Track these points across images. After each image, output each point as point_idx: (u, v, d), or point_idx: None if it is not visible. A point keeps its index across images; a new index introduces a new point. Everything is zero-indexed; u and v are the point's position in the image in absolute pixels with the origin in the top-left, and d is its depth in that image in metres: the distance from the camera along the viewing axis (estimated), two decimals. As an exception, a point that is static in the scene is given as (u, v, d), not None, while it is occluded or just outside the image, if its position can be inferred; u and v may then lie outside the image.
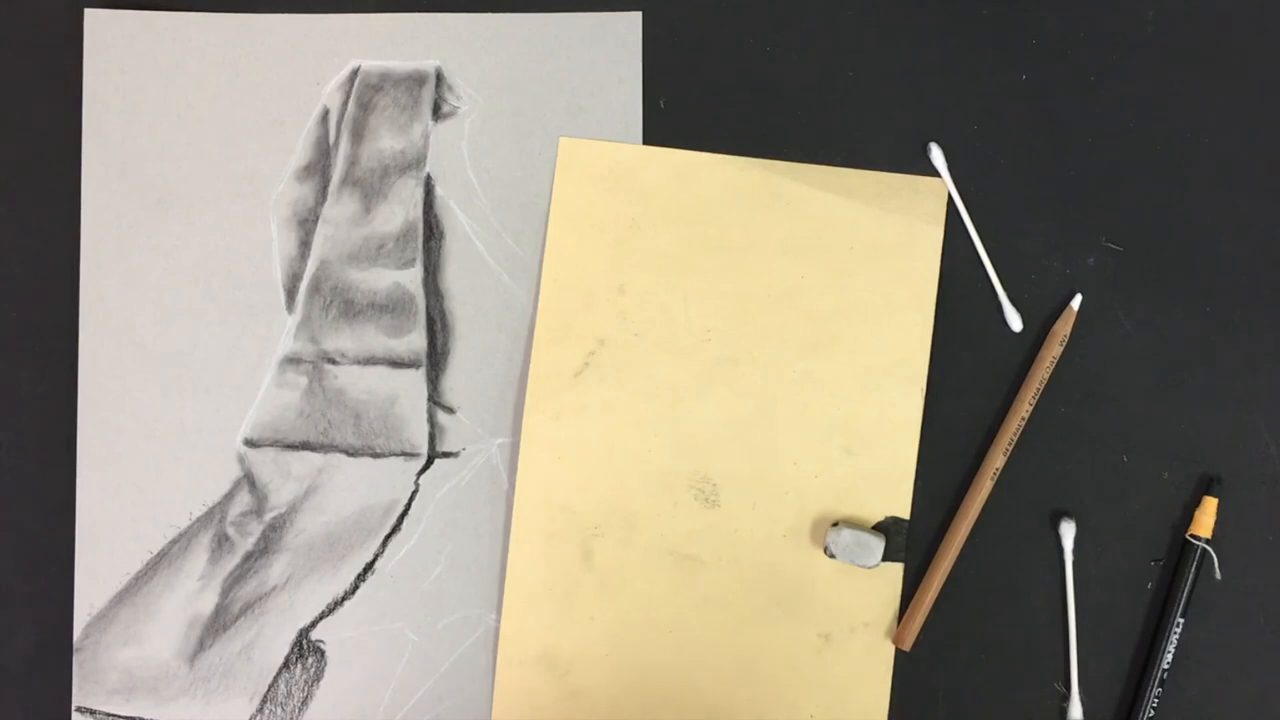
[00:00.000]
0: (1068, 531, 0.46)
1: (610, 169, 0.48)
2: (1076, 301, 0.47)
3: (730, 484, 0.47)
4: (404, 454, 0.48)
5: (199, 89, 0.48)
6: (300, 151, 0.48)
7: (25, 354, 0.48)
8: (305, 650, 0.48)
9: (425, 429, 0.48)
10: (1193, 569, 0.46)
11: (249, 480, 0.48)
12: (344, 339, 0.48)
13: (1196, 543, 0.46)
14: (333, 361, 0.48)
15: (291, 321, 0.48)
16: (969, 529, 0.46)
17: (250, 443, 0.48)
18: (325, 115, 0.48)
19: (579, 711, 0.47)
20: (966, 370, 0.47)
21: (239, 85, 0.48)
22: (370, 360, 0.48)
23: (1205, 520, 0.46)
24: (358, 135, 0.48)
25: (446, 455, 0.48)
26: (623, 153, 0.48)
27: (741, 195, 0.47)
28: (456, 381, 0.48)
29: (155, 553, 0.48)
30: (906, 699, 0.47)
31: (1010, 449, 0.46)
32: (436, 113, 0.48)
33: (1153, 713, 0.46)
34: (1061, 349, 0.46)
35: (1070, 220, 0.47)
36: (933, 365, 0.47)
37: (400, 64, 0.48)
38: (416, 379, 0.48)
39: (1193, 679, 0.47)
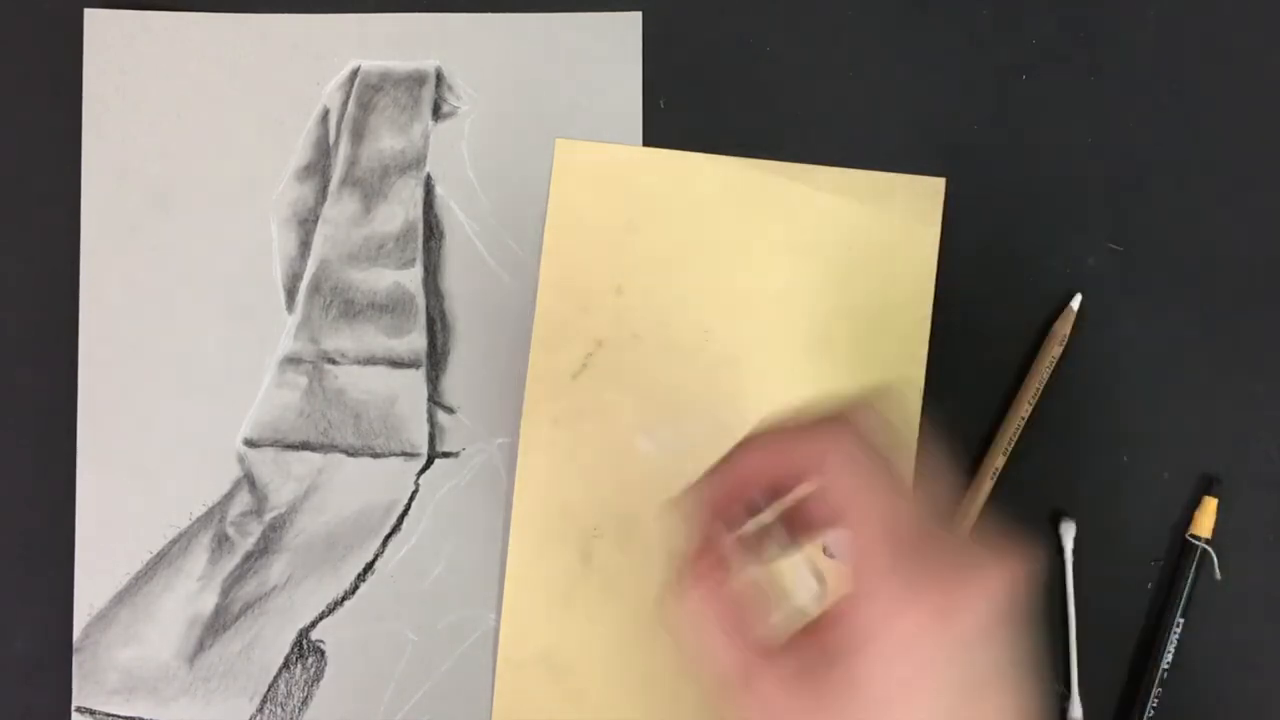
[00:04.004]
0: (1068, 531, 0.46)
1: (606, 170, 0.48)
2: (1076, 301, 0.47)
3: (730, 484, 0.47)
4: (404, 454, 0.48)
5: (199, 89, 0.48)
6: (300, 151, 0.48)
7: (25, 354, 0.48)
8: (305, 650, 0.48)
9: (425, 429, 0.48)
10: (1193, 569, 0.46)
11: (249, 480, 0.48)
12: (344, 339, 0.48)
13: (1196, 543, 0.46)
14: (333, 361, 0.48)
15: (291, 321, 0.48)
16: (969, 529, 0.46)
17: (250, 443, 0.48)
18: (325, 115, 0.48)
19: (579, 712, 0.47)
20: (966, 370, 0.47)
21: (239, 85, 0.48)
22: (370, 360, 0.48)
23: (1205, 520, 0.46)
24: (358, 135, 0.48)
25: (446, 455, 0.48)
26: (618, 154, 0.48)
27: (740, 195, 0.47)
28: (456, 381, 0.48)
29: (155, 553, 0.48)
30: (906, 699, 0.47)
31: (1010, 449, 0.46)
32: (436, 113, 0.48)
33: (1153, 713, 0.46)
34: (1061, 349, 0.46)
35: (1070, 220, 0.47)
36: (933, 365, 0.47)
37: (400, 64, 0.48)
38: (416, 379, 0.48)
39: (1193, 679, 0.47)
